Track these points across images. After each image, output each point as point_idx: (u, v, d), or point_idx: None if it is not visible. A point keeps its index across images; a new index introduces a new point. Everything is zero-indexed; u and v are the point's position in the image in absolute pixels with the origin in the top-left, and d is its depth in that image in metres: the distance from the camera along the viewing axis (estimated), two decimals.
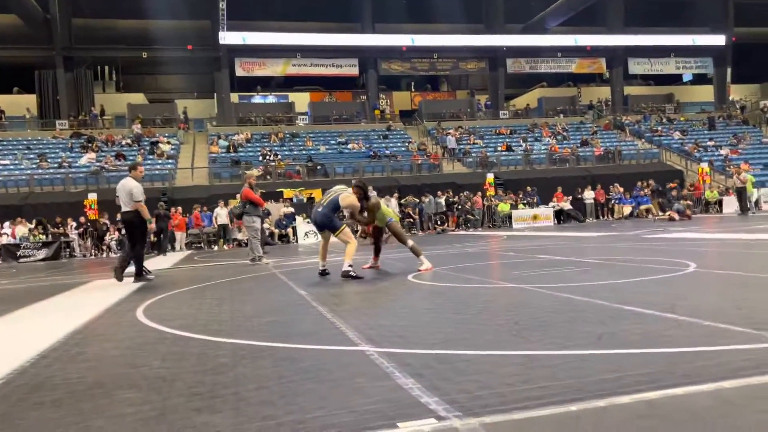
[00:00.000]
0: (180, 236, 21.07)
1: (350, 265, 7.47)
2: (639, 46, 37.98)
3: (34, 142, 28.54)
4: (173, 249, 20.49)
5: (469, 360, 2.90)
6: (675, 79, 44.41)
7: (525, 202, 24.94)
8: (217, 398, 2.55)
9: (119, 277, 8.77)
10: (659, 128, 34.76)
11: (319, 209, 7.97)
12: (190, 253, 18.44)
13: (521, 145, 31.27)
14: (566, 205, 24.49)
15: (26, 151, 27.16)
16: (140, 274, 8.90)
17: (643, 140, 33.49)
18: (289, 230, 21.80)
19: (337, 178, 26.63)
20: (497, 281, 6.35)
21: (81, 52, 32.67)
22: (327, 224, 7.92)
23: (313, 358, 3.19)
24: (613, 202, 25.04)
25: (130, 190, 8.80)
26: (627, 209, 24.63)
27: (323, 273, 7.98)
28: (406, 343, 3.38)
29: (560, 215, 24.22)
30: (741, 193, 20.80)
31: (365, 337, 3.57)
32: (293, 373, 2.86)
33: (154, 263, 12.09)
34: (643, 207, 24.46)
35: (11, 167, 25.58)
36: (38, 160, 25.98)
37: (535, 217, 23.70)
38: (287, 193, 24.25)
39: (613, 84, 38.83)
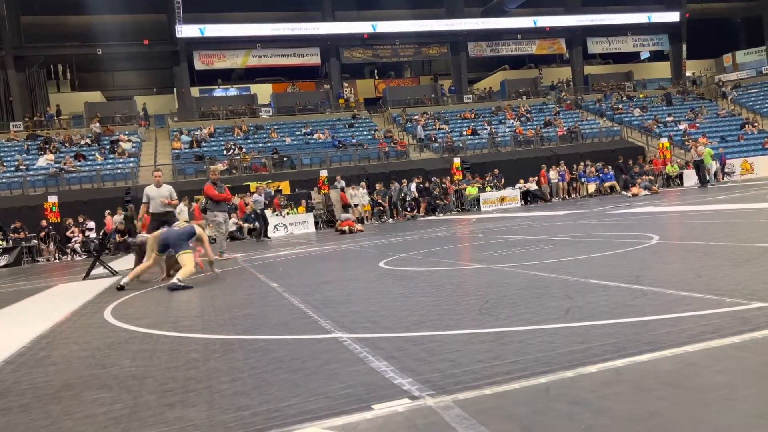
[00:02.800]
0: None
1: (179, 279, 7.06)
2: (597, 26, 38.50)
3: None
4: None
5: (441, 340, 2.94)
6: (633, 57, 45.20)
7: (492, 184, 25.18)
8: (190, 393, 2.53)
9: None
10: (620, 106, 35.39)
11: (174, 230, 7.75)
12: None
13: (486, 129, 31.49)
14: (532, 186, 24.81)
15: None
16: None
17: (604, 118, 34.06)
18: (257, 224, 21.58)
19: (304, 169, 26.49)
20: (467, 263, 6.42)
21: (32, 50, 31.65)
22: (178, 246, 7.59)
23: (286, 348, 3.18)
24: (580, 180, 25.45)
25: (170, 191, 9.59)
26: (591, 187, 25.08)
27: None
28: (378, 327, 3.39)
29: (527, 196, 24.54)
30: (699, 166, 21.34)
31: (338, 325, 3.58)
32: (266, 364, 2.86)
33: (122, 263, 11.86)
34: (607, 184, 24.94)
35: None
36: None
37: (502, 199, 23.96)
38: (254, 186, 23.98)
39: (573, 64, 39.32)
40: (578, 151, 28.39)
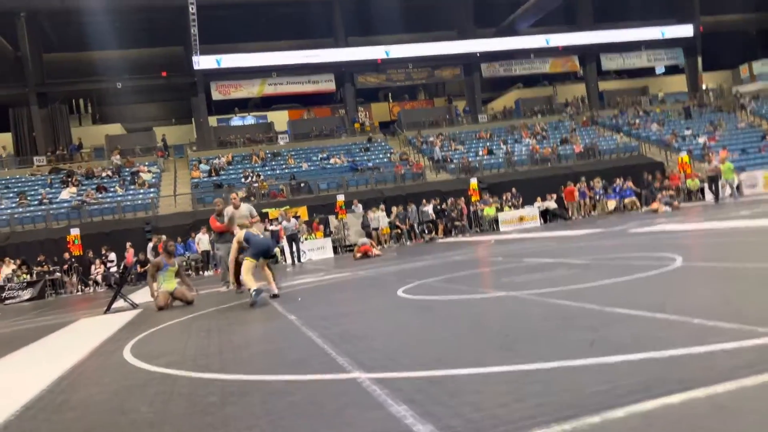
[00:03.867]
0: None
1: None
2: (610, 43, 38.45)
3: (13, 180, 28.20)
4: None
5: (461, 380, 2.86)
6: (648, 72, 44.96)
7: (510, 204, 25.03)
8: None
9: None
10: (636, 121, 35.14)
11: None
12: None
13: (502, 148, 31.43)
14: (551, 204, 24.60)
15: (5, 191, 26.83)
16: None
17: (621, 134, 33.82)
18: (276, 250, 21.64)
19: (321, 194, 26.61)
20: (487, 290, 6.32)
21: (54, 87, 32.44)
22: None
23: (303, 390, 3.13)
24: (598, 197, 25.19)
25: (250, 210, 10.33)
26: (611, 204, 24.81)
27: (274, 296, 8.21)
28: (397, 365, 3.33)
29: (546, 215, 24.33)
30: (713, 181, 20.82)
31: (356, 363, 3.52)
32: (283, 409, 2.80)
33: (141, 295, 11.92)
34: (626, 200, 24.65)
35: None
36: (18, 199, 25.66)
37: (521, 219, 23.79)
38: (272, 213, 24.12)
39: (588, 81, 39.24)
40: (596, 168, 28.16)
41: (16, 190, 26.81)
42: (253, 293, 7.65)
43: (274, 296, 8.11)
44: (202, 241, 20.71)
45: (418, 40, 36.57)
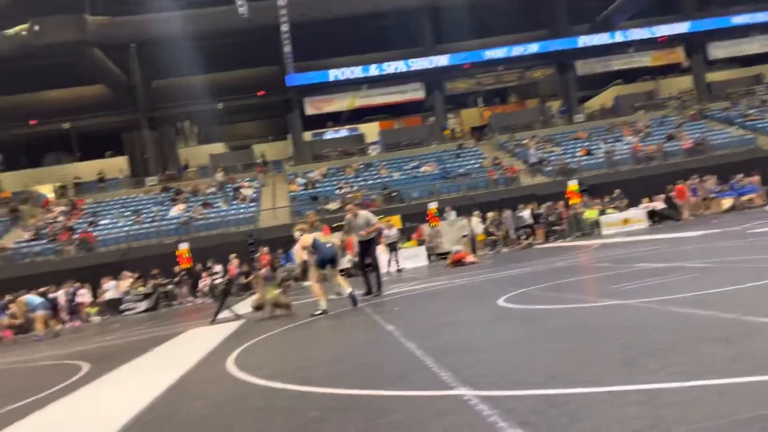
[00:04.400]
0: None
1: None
2: (718, 29, 35.71)
3: (128, 199, 30.31)
4: None
5: (581, 401, 2.56)
6: (763, 59, 41.33)
7: (613, 206, 23.72)
8: None
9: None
10: (751, 112, 32.34)
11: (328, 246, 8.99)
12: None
13: (602, 148, 29.95)
14: (659, 205, 23.05)
15: (122, 209, 28.88)
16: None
17: (735, 127, 31.24)
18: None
19: (413, 202, 26.52)
20: (597, 298, 5.87)
21: (162, 111, 34.64)
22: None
23: (405, 408, 2.94)
24: (712, 195, 23.33)
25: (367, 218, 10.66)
26: (726, 202, 22.87)
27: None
28: (506, 383, 3.07)
29: (653, 216, 22.82)
30: None
31: (460, 379, 3.29)
32: (385, 429, 2.63)
33: (244, 306, 12.28)
34: (744, 198, 22.65)
35: (110, 226, 27.24)
36: (133, 217, 27.54)
37: (626, 221, 22.42)
38: None
39: (694, 72, 36.65)
40: (707, 164, 26.11)
41: (131, 208, 28.79)
42: (320, 308, 8.43)
43: (351, 297, 8.65)
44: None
45: (508, 42, 35.73)
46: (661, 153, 28.22)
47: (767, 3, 35.89)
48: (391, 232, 20.55)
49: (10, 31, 28.66)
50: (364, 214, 10.92)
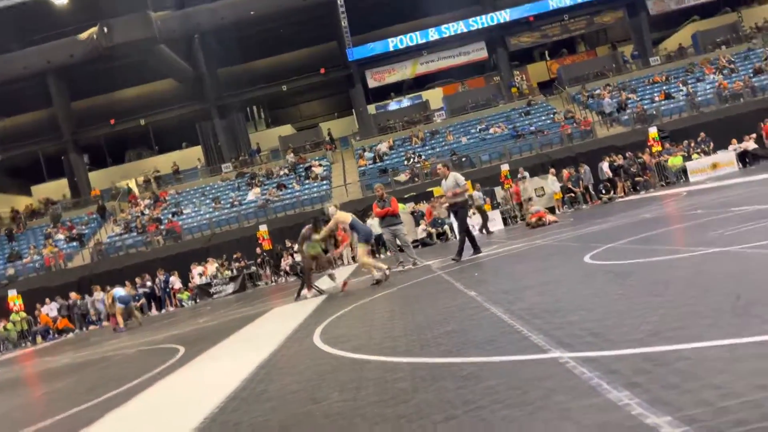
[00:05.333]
0: (347, 251, 21.79)
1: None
2: None
3: (207, 188, 31.45)
4: (342, 264, 21.25)
5: (693, 357, 2.35)
6: None
7: (699, 150, 22.31)
8: None
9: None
10: None
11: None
12: (357, 266, 18.96)
13: (682, 90, 28.14)
14: (750, 145, 21.47)
15: (202, 197, 30.01)
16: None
17: None
18: (446, 227, 21.58)
19: (484, 166, 26.00)
20: (693, 248, 5.48)
21: (230, 98, 35.48)
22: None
23: (498, 373, 2.82)
24: None
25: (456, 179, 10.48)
26: None
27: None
28: (604, 342, 2.88)
29: (745, 158, 21.29)
30: None
31: (554, 340, 3.13)
32: (481, 396, 2.52)
33: (323, 282, 12.47)
34: None
35: (193, 214, 28.40)
36: (213, 204, 28.56)
37: (714, 166, 21.04)
38: (437, 191, 24.06)
39: None
40: None
41: (211, 196, 29.87)
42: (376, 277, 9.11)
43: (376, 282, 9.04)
44: (374, 225, 21.27)
45: None
46: (749, 89, 26.19)
47: None
48: (479, 192, 20.38)
49: (83, 35, 30.05)
50: (454, 175, 10.63)
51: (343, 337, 5.19)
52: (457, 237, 11.10)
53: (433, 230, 21.52)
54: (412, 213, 22.29)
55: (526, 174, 22.86)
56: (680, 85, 28.75)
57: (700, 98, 26.88)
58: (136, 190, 33.58)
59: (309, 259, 10.84)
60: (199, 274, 21.97)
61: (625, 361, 2.51)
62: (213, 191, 30.67)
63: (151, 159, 37.67)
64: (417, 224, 21.92)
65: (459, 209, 10.46)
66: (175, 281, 21.54)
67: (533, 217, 16.08)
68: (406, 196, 24.39)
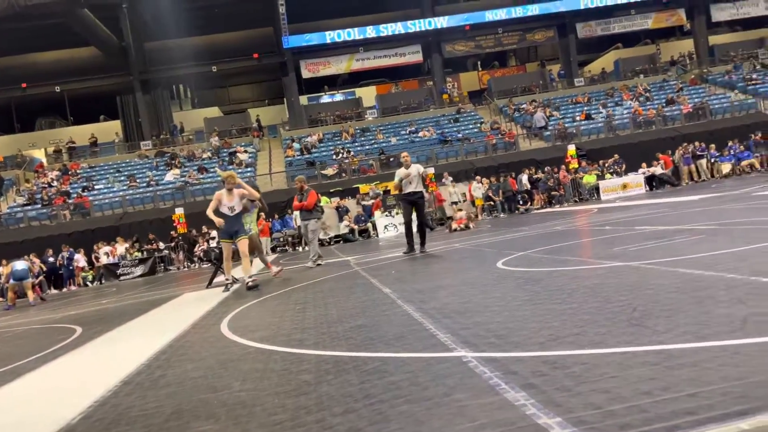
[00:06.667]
0: (265, 241, 21.40)
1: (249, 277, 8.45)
2: None
3: (123, 164, 30.00)
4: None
5: (588, 362, 2.44)
6: (766, 22, 40.61)
7: (611, 171, 23.56)
8: (299, 428, 2.24)
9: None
10: (753, 76, 31.89)
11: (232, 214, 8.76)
12: (275, 257, 18.67)
13: (601, 112, 29.63)
14: (658, 170, 22.90)
15: (117, 174, 28.60)
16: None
17: (735, 92, 30.85)
18: (369, 225, 21.67)
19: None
20: (598, 260, 5.75)
21: (156, 74, 34.00)
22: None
23: (403, 369, 2.83)
24: (712, 160, 23.12)
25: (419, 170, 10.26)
26: (726, 167, 22.72)
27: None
28: (507, 344, 2.95)
29: (652, 181, 22.69)
30: None
31: (460, 340, 3.18)
32: (382, 391, 2.52)
33: (240, 272, 12.18)
34: (744, 163, 22.50)
35: (105, 191, 27.01)
36: (128, 182, 27.27)
37: (624, 186, 22.32)
38: (363, 188, 24.14)
39: (696, 35, 36.02)
40: (707, 129, 25.90)
41: (126, 173, 28.50)
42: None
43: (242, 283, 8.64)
44: (296, 217, 21.06)
45: (508, 3, 35.00)
46: (660, 117, 27.94)
47: None
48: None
49: None
50: (417, 167, 10.35)
51: (252, 326, 5.07)
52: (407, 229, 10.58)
53: (356, 226, 21.56)
54: (337, 208, 22.22)
55: (450, 179, 23.34)
56: (600, 107, 30.23)
57: (617, 122, 28.38)
58: (44, 159, 31.56)
59: (254, 237, 10.35)
60: (105, 253, 20.91)
61: (524, 363, 2.58)
62: (129, 168, 29.32)
63: (65, 129, 35.53)
64: (341, 219, 21.88)
65: (420, 200, 10.28)
66: (80, 259, 20.41)
67: (460, 222, 16.44)
68: (332, 191, 24.28)
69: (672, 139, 24.90)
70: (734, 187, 14.70)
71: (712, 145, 23.33)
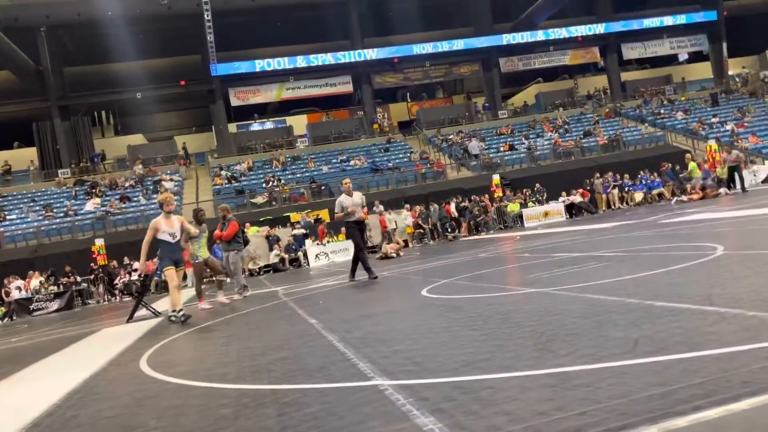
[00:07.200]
0: (190, 272, 20.83)
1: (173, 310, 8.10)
2: (631, 31, 37.66)
3: (39, 193, 28.56)
4: (186, 286, 20.26)
5: (494, 386, 2.59)
6: (671, 60, 43.98)
7: (534, 199, 24.58)
8: None
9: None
10: (661, 111, 34.32)
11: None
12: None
13: (524, 143, 30.96)
14: (577, 198, 24.08)
15: (32, 204, 27.17)
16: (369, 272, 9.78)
17: (646, 125, 33.07)
18: (300, 254, 21.54)
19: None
20: (515, 287, 6.02)
21: (76, 99, 32.82)
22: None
23: (321, 399, 2.88)
24: (627, 189, 24.56)
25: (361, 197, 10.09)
26: (638, 196, 24.19)
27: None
28: (422, 371, 3.07)
29: (572, 209, 23.82)
30: (735, 170, 19.77)
31: (378, 369, 3.27)
32: (299, 422, 2.56)
33: (163, 303, 11.83)
34: (655, 192, 24.02)
35: (18, 221, 25.58)
36: (44, 212, 25.96)
37: (546, 214, 23.32)
38: (294, 216, 24.04)
39: (609, 72, 38.49)
40: (621, 159, 27.57)
41: (42, 203, 27.13)
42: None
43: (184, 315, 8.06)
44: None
45: (435, 38, 36.26)
46: (579, 148, 29.46)
47: (675, 7, 38.13)
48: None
49: None
50: (359, 194, 10.24)
51: (173, 362, 4.97)
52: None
53: (287, 256, 21.36)
54: (267, 237, 21.97)
55: (381, 207, 23.61)
56: (523, 138, 31.59)
57: (538, 152, 29.72)
58: None
59: (201, 264, 10.05)
60: (17, 287, 19.70)
61: (436, 388, 2.69)
62: (45, 197, 27.94)
63: None
64: (270, 249, 21.62)
65: (363, 227, 10.26)
66: None
67: (393, 249, 16.68)
68: (261, 219, 24.02)
69: (590, 168, 26.30)
70: (644, 215, 15.68)
71: (626, 175, 24.81)
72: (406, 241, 21.38)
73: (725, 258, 5.48)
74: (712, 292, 3.86)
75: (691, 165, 22.08)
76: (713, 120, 31.90)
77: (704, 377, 2.23)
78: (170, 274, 8.26)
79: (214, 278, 11.47)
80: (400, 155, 31.14)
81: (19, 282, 19.98)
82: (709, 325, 3.04)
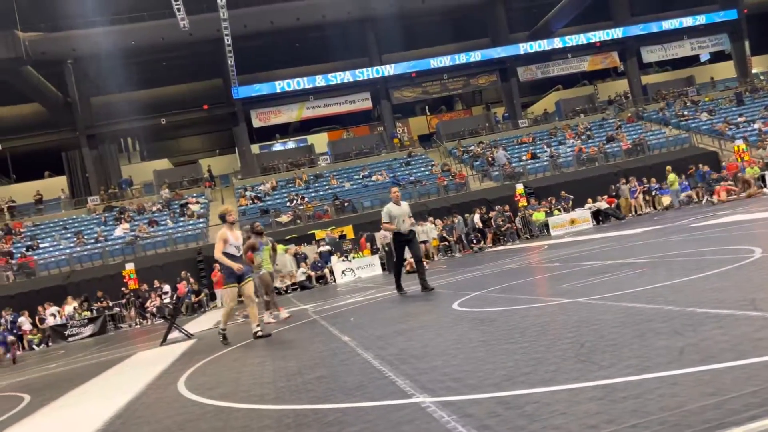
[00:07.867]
0: (220, 293, 21.04)
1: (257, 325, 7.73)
2: (649, 34, 37.26)
3: (70, 221, 29.15)
4: (215, 306, 20.45)
5: (539, 400, 2.56)
6: (693, 61, 43.41)
7: (559, 207, 24.34)
8: None
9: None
10: (685, 112, 33.83)
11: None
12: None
13: (546, 151, 30.73)
14: (603, 204, 23.78)
15: (63, 231, 27.74)
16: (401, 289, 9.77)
17: (669, 127, 32.60)
18: (326, 271, 21.60)
19: (365, 211, 26.50)
20: (549, 298, 5.95)
21: (103, 128, 33.55)
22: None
23: (363, 419, 2.88)
24: (653, 193, 24.20)
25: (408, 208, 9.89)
26: (666, 200, 23.80)
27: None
28: (463, 387, 3.04)
29: (598, 216, 23.52)
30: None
31: (418, 385, 3.25)
32: None
33: (195, 325, 11.95)
34: (683, 195, 23.61)
35: (51, 249, 26.12)
36: (75, 238, 26.48)
37: (572, 222, 23.04)
38: (319, 234, 24.15)
39: (630, 76, 38.10)
40: (646, 163, 27.18)
41: (73, 230, 27.67)
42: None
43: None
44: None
45: (452, 50, 36.35)
46: (602, 154, 29.15)
47: (695, 7, 37.71)
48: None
49: None
50: (405, 203, 9.88)
51: (210, 384, 5.00)
52: (414, 266, 10.12)
53: (313, 273, 21.43)
54: (295, 255, 22.08)
55: (412, 219, 23.56)
56: (545, 146, 31.36)
57: (561, 160, 29.46)
58: None
59: (267, 276, 9.78)
60: (52, 314, 20.09)
61: (480, 404, 2.67)
62: (76, 225, 28.49)
63: (7, 188, 34.46)
64: (298, 266, 21.73)
65: (414, 237, 9.86)
66: (25, 322, 19.53)
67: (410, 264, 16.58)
68: (287, 238, 24.17)
69: (614, 174, 25.98)
70: (674, 219, 15.41)
71: (653, 179, 24.45)
72: (428, 255, 21.27)
73: (765, 261, 5.36)
74: (756, 296, 3.78)
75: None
76: (739, 119, 31.32)
77: (757, 385, 2.18)
78: (231, 293, 7.80)
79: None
80: (422, 168, 31.15)
81: (54, 308, 20.37)
82: (755, 331, 2.97)
